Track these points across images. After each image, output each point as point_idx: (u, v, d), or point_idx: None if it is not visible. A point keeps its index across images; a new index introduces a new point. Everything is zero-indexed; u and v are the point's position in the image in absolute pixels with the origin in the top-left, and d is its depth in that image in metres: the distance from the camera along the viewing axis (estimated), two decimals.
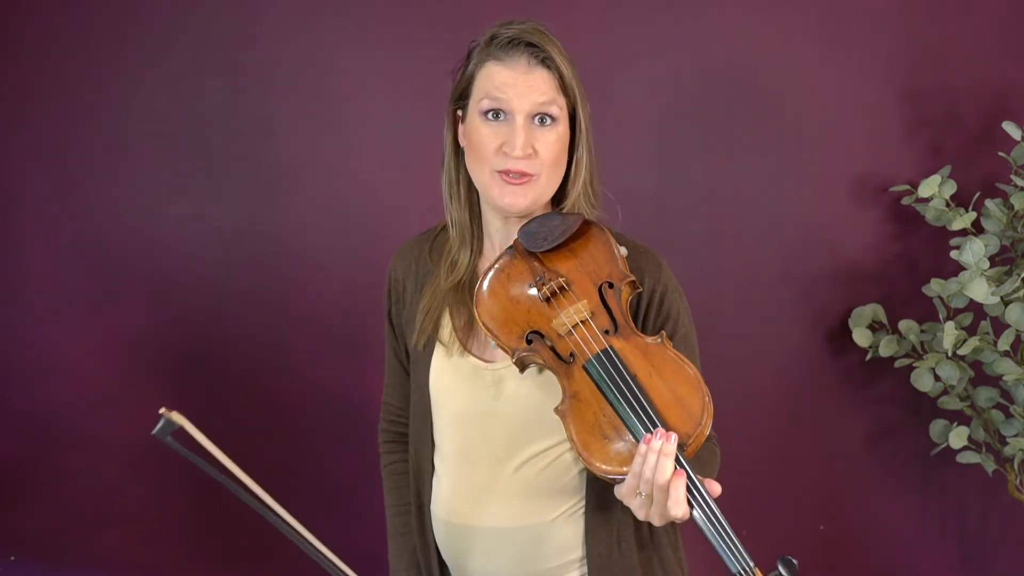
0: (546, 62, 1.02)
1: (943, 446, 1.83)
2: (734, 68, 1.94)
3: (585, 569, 1.07)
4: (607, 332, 0.95)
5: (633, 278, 1.01)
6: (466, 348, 1.09)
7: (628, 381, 0.90)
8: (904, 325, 1.87)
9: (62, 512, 2.10)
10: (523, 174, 1.01)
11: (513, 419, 1.05)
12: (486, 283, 1.04)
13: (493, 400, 1.06)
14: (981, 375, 1.84)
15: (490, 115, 1.02)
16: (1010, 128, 1.70)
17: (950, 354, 1.75)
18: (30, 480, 2.10)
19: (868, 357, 1.92)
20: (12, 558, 2.12)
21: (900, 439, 2.03)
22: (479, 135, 1.03)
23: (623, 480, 0.88)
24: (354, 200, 2.00)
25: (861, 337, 1.87)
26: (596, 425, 0.90)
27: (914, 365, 1.81)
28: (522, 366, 0.99)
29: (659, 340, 0.95)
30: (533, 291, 1.00)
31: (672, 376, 0.91)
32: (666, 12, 1.93)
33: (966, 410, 1.84)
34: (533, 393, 1.04)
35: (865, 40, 1.91)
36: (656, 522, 0.87)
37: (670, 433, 0.84)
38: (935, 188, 1.76)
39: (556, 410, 0.94)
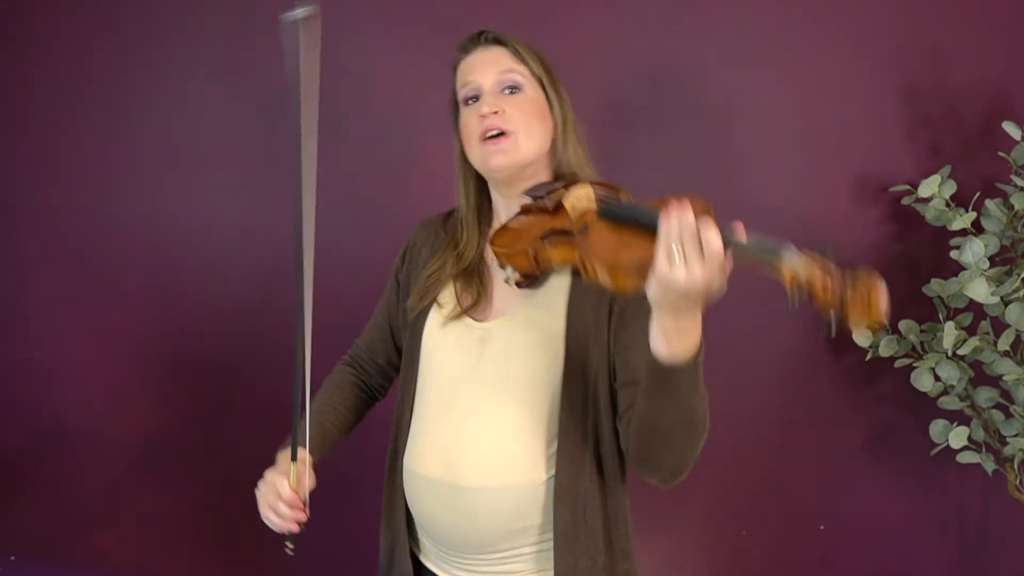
0: (498, 40, 1.19)
1: (943, 446, 1.83)
2: (734, 68, 1.94)
3: (548, 535, 1.12)
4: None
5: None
6: (465, 312, 1.19)
7: (635, 204, 1.04)
8: (904, 325, 1.87)
9: (62, 511, 2.11)
10: (497, 130, 1.13)
11: (491, 377, 1.13)
12: (502, 226, 1.18)
13: (478, 358, 1.14)
14: (981, 375, 1.84)
15: (469, 101, 1.19)
16: (1010, 128, 1.70)
17: (950, 354, 1.75)
18: (31, 479, 2.10)
19: (868, 357, 1.92)
20: (12, 558, 2.12)
21: (900, 439, 2.03)
22: (463, 119, 1.19)
23: (651, 263, 0.92)
24: (354, 201, 2.01)
25: (861, 337, 1.87)
26: (614, 254, 1.01)
27: (914, 365, 1.80)
28: (537, 266, 1.10)
29: None
30: (541, 214, 1.14)
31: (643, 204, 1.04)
32: (666, 13, 1.93)
33: (966, 410, 1.84)
34: (514, 350, 1.12)
35: (865, 40, 1.92)
36: (699, 275, 0.88)
37: (683, 199, 0.91)
38: (935, 188, 1.76)
39: (578, 270, 1.03)
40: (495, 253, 1.13)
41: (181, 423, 2.08)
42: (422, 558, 1.24)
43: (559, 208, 1.11)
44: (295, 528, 1.15)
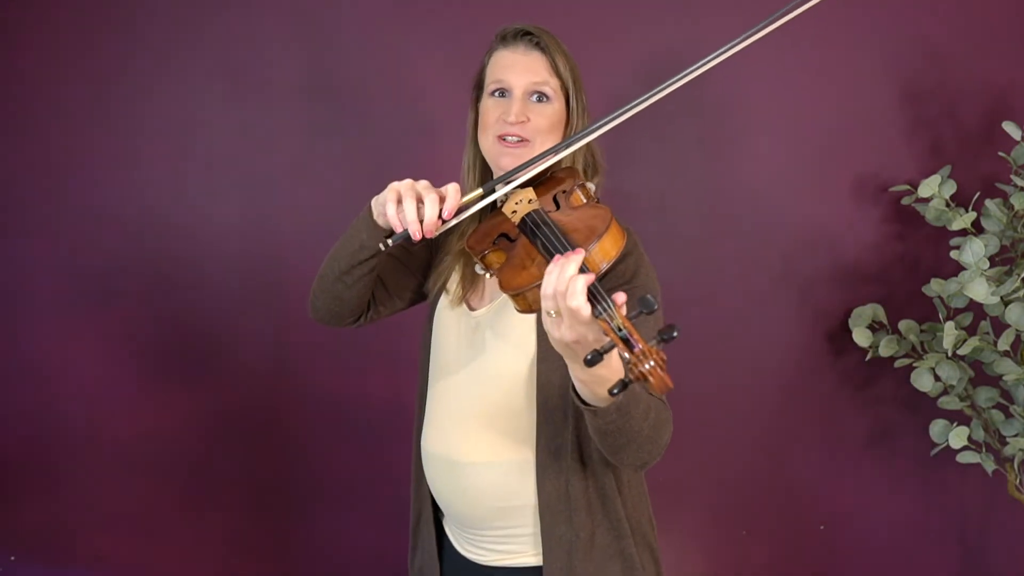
0: (540, 46, 1.20)
1: (943, 446, 1.83)
2: (734, 68, 1.93)
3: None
4: (548, 211, 1.09)
5: (584, 181, 1.13)
6: (464, 299, 1.26)
7: (551, 226, 1.03)
8: (904, 325, 1.87)
9: (62, 512, 2.11)
10: (518, 137, 1.17)
11: (482, 362, 1.20)
12: (478, 224, 1.21)
13: (471, 344, 1.22)
14: (981, 375, 1.84)
15: (496, 93, 1.20)
16: (1010, 128, 1.70)
17: (950, 354, 1.75)
18: (30, 480, 2.10)
19: (868, 357, 1.92)
20: (12, 558, 2.12)
21: (900, 439, 2.03)
22: (486, 108, 1.21)
23: (537, 288, 0.93)
24: (354, 200, 2.00)
25: (861, 337, 1.87)
26: (521, 265, 1.03)
27: (914, 365, 1.81)
28: (487, 269, 1.13)
29: (589, 203, 1.10)
30: (501, 215, 1.15)
31: (585, 214, 1.05)
32: (666, 13, 1.93)
33: (966, 410, 1.84)
34: (496, 338, 1.19)
35: (865, 40, 1.92)
36: (567, 334, 0.87)
37: (577, 249, 0.90)
38: (935, 188, 1.77)
39: (497, 281, 1.05)
40: (468, 249, 1.15)
41: (181, 424, 2.08)
42: (446, 527, 1.31)
43: (515, 213, 1.11)
44: (420, 229, 1.04)
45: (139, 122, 2.00)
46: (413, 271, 1.36)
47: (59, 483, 2.10)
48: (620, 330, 0.82)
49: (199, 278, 2.04)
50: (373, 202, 1.15)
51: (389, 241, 1.07)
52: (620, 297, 0.85)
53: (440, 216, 1.05)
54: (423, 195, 1.06)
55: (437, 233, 1.06)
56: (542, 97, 1.19)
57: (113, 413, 2.07)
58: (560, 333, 0.88)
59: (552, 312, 0.87)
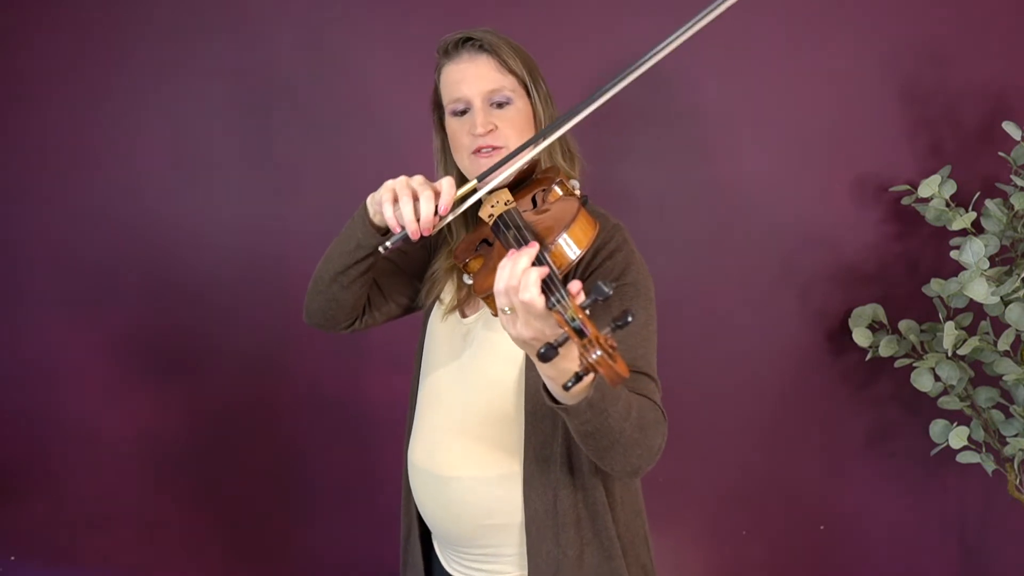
0: (484, 48, 1.16)
1: (943, 446, 1.83)
2: (734, 67, 1.94)
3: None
4: (524, 211, 1.07)
5: (562, 178, 1.11)
6: (459, 308, 1.24)
7: (518, 225, 1.01)
8: (904, 325, 1.87)
9: (62, 512, 2.11)
10: (491, 147, 1.14)
11: (470, 372, 1.17)
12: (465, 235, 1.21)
13: (461, 353, 1.19)
14: (981, 375, 1.84)
15: (458, 112, 1.17)
16: (1010, 128, 1.70)
17: (950, 354, 1.75)
18: (30, 480, 2.10)
19: (868, 357, 1.92)
20: (12, 558, 2.12)
21: (900, 439, 2.03)
22: (452, 130, 1.18)
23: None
24: (353, 200, 2.00)
25: (861, 337, 1.87)
26: (493, 267, 0.98)
27: (914, 365, 1.81)
28: (468, 275, 1.13)
29: (569, 198, 1.07)
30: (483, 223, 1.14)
31: (554, 207, 1.03)
32: (666, 13, 1.93)
33: (966, 410, 1.84)
34: (486, 346, 1.16)
35: (865, 40, 1.92)
36: (524, 331, 0.84)
37: (532, 243, 0.88)
38: (935, 188, 1.76)
39: (471, 286, 1.05)
40: (454, 259, 1.13)
41: (180, 424, 2.08)
42: (434, 544, 1.28)
43: (490, 217, 1.07)
44: (418, 228, 1.03)
45: (138, 122, 2.00)
46: (409, 274, 1.34)
47: (59, 483, 2.10)
48: (573, 320, 0.79)
49: (198, 278, 2.04)
50: (369, 200, 1.13)
51: (388, 243, 1.05)
52: (575, 286, 0.82)
53: (436, 212, 1.03)
54: (418, 191, 1.04)
55: (435, 230, 1.04)
56: (503, 103, 1.15)
57: (113, 413, 2.08)
58: (517, 331, 0.85)
59: (507, 309, 0.85)
